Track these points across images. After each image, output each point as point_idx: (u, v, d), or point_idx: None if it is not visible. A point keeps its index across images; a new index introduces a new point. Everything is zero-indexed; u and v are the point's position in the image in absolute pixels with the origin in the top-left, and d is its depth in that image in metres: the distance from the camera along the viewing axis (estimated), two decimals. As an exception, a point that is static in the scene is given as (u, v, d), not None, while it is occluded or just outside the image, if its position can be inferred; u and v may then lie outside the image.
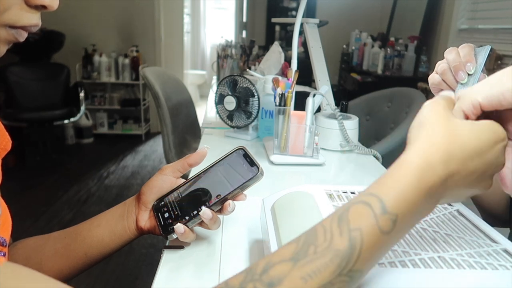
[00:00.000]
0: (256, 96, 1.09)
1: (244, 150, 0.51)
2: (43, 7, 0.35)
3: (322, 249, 0.29)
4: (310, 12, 3.39)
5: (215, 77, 2.41)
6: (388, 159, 0.99)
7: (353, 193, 0.53)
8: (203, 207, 0.47)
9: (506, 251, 0.42)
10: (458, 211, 0.53)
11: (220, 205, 0.48)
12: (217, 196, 0.48)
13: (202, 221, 0.48)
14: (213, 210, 0.48)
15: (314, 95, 0.94)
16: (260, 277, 0.28)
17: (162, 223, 0.49)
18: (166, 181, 0.53)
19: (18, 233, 0.56)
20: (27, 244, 0.53)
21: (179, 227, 0.47)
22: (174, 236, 0.48)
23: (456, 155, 0.32)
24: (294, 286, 0.27)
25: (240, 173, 0.49)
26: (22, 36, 0.36)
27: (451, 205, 0.56)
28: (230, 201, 0.48)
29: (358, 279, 0.29)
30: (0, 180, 0.40)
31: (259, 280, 0.28)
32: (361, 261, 0.29)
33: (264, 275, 0.28)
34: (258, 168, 0.47)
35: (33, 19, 0.35)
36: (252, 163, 0.49)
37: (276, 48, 1.52)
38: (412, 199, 0.30)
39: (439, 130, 0.33)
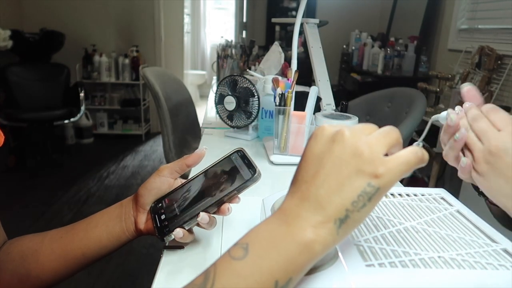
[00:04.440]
0: (256, 96, 1.09)
1: (242, 152, 0.51)
2: None
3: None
4: (310, 12, 3.39)
5: (215, 77, 2.42)
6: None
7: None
8: (201, 213, 0.47)
9: (506, 251, 0.42)
10: (458, 211, 0.53)
11: (216, 207, 0.48)
12: (213, 198, 0.48)
13: None
14: (210, 212, 0.48)
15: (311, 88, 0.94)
16: None
17: (159, 225, 0.49)
18: (164, 182, 0.52)
19: (18, 233, 0.56)
20: (23, 243, 0.53)
21: (178, 232, 0.47)
22: (170, 238, 0.48)
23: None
24: None
25: (238, 175, 0.48)
26: None
27: (451, 205, 0.56)
28: (227, 204, 0.48)
29: None
30: None
31: None
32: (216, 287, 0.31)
33: None
34: (256, 170, 0.47)
35: None
36: (250, 165, 0.49)
37: (276, 48, 1.52)
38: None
39: None
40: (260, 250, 0.32)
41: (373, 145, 0.32)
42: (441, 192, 0.59)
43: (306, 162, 0.34)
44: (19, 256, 0.51)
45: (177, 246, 0.53)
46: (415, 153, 0.33)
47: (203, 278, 0.32)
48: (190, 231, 0.49)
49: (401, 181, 0.88)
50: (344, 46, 3.82)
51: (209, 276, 0.31)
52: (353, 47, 3.56)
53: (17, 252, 0.52)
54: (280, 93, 0.92)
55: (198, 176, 0.53)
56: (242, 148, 0.52)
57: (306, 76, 2.10)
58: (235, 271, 0.31)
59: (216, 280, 0.31)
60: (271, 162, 0.93)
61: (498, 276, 0.37)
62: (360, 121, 1.10)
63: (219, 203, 0.47)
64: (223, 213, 0.48)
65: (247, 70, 1.83)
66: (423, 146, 0.41)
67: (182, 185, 0.53)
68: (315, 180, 0.32)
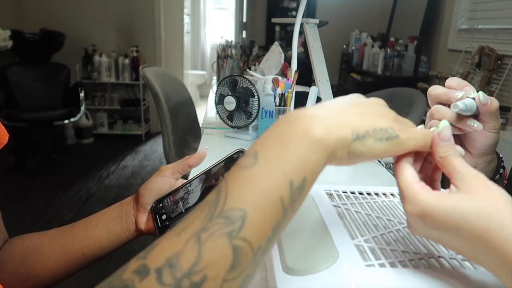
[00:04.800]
0: (256, 96, 1.09)
1: (243, 152, 0.51)
2: None
3: (197, 207, 0.30)
4: (310, 12, 3.39)
5: (215, 77, 2.42)
6: (387, 159, 0.99)
7: (352, 193, 0.53)
8: None
9: (506, 251, 0.42)
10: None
11: None
12: None
13: None
14: None
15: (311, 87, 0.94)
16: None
17: (160, 225, 0.49)
18: (165, 182, 0.52)
19: (18, 233, 0.56)
20: (23, 242, 0.53)
21: None
22: None
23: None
24: (170, 242, 0.28)
25: None
26: None
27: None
28: None
29: (239, 219, 0.28)
30: None
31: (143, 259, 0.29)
32: (230, 198, 0.28)
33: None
34: None
35: None
36: None
37: (276, 48, 1.52)
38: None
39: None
40: (270, 153, 0.30)
41: (398, 117, 0.35)
42: (441, 192, 0.59)
43: (332, 105, 0.34)
44: (20, 255, 0.51)
45: (177, 246, 0.53)
46: (432, 132, 0.35)
47: (215, 193, 0.30)
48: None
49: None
50: (344, 46, 3.82)
51: (221, 190, 0.29)
52: (353, 47, 3.56)
53: (17, 251, 0.52)
54: (280, 93, 0.93)
55: (199, 176, 0.53)
56: (243, 149, 0.52)
57: (306, 76, 2.10)
58: (247, 178, 0.29)
59: (229, 191, 0.29)
60: (271, 162, 0.93)
61: (498, 276, 0.37)
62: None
63: None
64: None
65: (247, 70, 1.83)
66: None
67: (183, 185, 0.53)
68: (343, 110, 0.33)
